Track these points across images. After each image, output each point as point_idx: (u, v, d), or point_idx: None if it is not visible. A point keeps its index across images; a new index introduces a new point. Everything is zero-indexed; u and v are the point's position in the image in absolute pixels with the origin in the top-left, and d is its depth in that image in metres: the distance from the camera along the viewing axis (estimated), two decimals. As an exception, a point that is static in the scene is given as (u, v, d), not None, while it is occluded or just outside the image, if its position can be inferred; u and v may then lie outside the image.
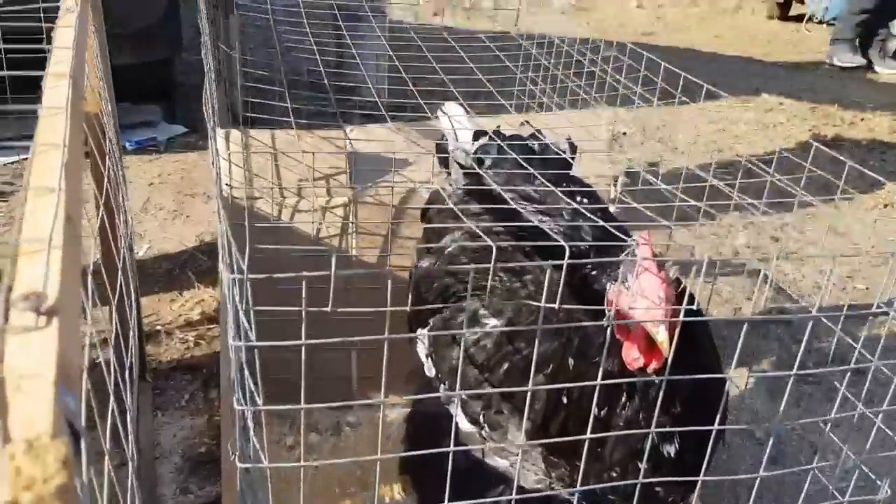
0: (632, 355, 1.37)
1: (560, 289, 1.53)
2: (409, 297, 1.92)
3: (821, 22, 7.95)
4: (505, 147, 1.87)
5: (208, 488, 2.20)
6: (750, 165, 1.63)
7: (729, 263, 3.47)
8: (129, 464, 1.00)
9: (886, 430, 1.39)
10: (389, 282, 1.16)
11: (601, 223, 1.70)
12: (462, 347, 1.61)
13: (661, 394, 1.23)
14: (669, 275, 1.29)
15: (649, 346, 1.35)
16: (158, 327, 2.77)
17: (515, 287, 1.65)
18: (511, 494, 1.63)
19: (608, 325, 1.20)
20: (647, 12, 8.72)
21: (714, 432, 1.36)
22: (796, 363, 1.26)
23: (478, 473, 1.69)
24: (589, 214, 1.56)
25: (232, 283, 1.03)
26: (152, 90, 4.33)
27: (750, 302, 3.21)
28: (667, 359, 1.26)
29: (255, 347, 1.05)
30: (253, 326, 1.05)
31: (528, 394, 1.45)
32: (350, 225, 2.20)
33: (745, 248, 3.68)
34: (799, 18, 8.18)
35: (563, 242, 1.18)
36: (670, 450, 1.39)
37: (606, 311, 1.36)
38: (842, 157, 1.61)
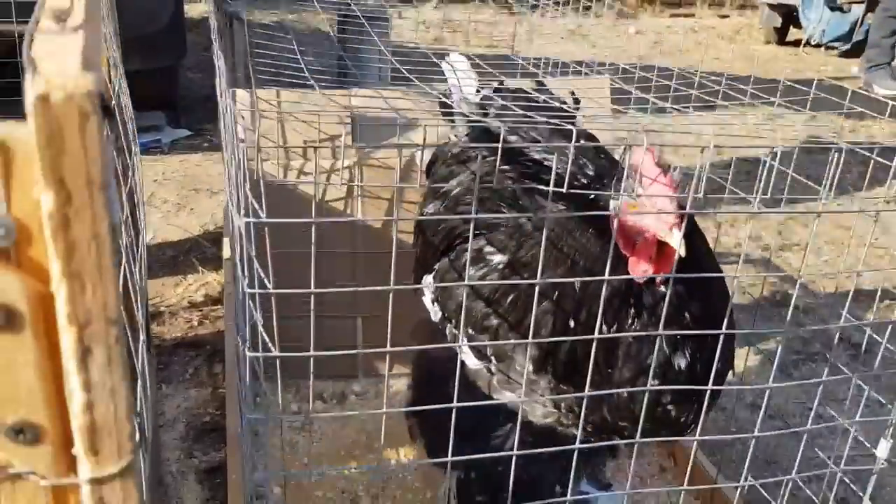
0: (640, 268, 1.37)
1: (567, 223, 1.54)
2: (415, 244, 1.92)
3: (818, 45, 8.05)
4: (510, 94, 1.89)
5: (213, 454, 2.18)
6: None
7: (732, 253, 3.47)
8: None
9: None
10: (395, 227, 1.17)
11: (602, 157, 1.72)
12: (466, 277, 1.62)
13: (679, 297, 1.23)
14: (674, 177, 1.30)
15: (657, 255, 1.35)
16: (162, 308, 2.77)
17: (520, 222, 1.65)
18: (518, 431, 1.62)
19: (615, 214, 1.20)
20: (646, 38, 8.85)
21: (723, 341, 1.36)
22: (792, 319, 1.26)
23: (484, 413, 1.66)
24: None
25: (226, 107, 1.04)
26: (158, 98, 4.38)
27: (754, 287, 3.20)
28: (678, 264, 1.27)
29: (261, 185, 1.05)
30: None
31: (533, 321, 1.45)
32: (355, 188, 2.21)
33: (748, 240, 3.69)
34: (796, 44, 8.28)
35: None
36: (681, 362, 1.38)
37: (612, 226, 1.37)
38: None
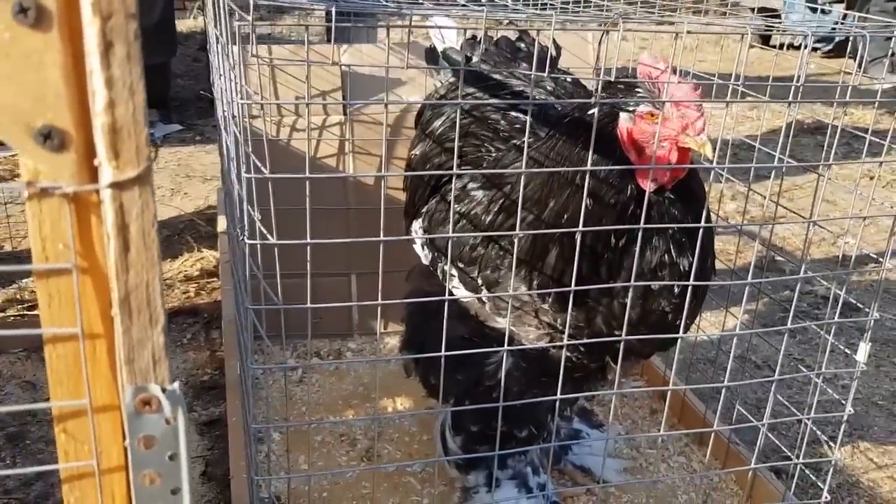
0: (643, 175, 1.41)
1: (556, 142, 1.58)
2: (406, 189, 1.97)
3: (798, 47, 8.20)
4: (491, 42, 1.96)
5: (212, 409, 2.22)
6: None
7: (720, 226, 3.54)
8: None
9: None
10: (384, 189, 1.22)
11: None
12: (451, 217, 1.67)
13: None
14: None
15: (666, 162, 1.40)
16: (159, 282, 2.80)
17: (501, 154, 1.70)
18: (512, 357, 1.66)
19: (632, 124, 1.26)
20: (631, 44, 8.99)
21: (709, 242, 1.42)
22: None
23: (478, 343, 1.70)
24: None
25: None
26: (150, 95, 4.42)
27: (741, 255, 3.27)
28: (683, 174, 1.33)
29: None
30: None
31: (535, 245, 1.50)
32: (346, 144, 2.26)
33: (735, 214, 3.76)
34: (780, 47, 8.42)
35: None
36: (685, 263, 1.42)
37: (621, 140, 1.41)
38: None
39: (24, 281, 2.71)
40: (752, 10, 8.64)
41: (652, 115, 1.36)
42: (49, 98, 0.52)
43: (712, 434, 1.74)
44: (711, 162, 1.37)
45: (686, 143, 1.36)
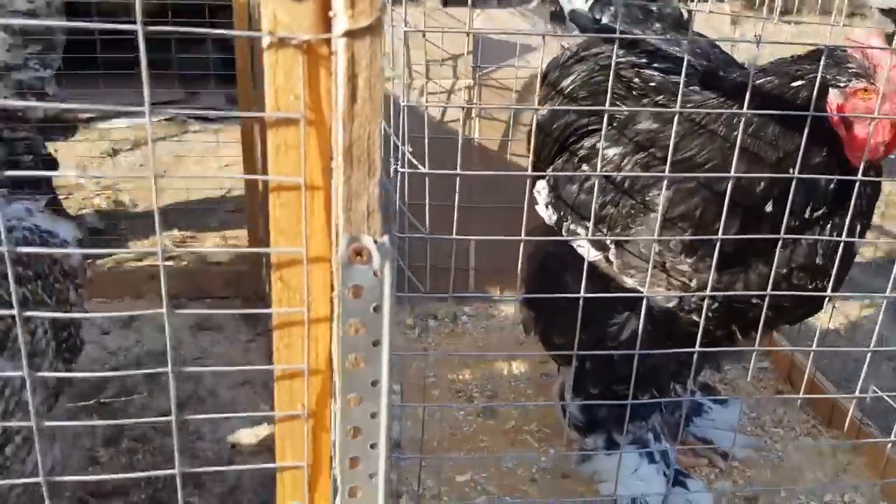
0: (856, 150, 1.38)
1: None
2: (531, 148, 1.97)
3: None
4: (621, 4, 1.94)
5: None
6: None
7: None
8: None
9: None
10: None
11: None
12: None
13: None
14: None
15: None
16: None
17: (634, 112, 1.68)
18: (638, 320, 1.63)
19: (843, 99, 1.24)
20: (752, 47, 8.72)
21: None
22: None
23: (602, 302, 1.68)
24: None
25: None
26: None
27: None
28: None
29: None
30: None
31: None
32: (473, 109, 2.29)
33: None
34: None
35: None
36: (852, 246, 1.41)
37: (830, 114, 1.37)
38: None
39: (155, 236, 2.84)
40: (883, 11, 8.25)
41: (866, 91, 1.33)
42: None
43: (849, 413, 1.67)
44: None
45: None
